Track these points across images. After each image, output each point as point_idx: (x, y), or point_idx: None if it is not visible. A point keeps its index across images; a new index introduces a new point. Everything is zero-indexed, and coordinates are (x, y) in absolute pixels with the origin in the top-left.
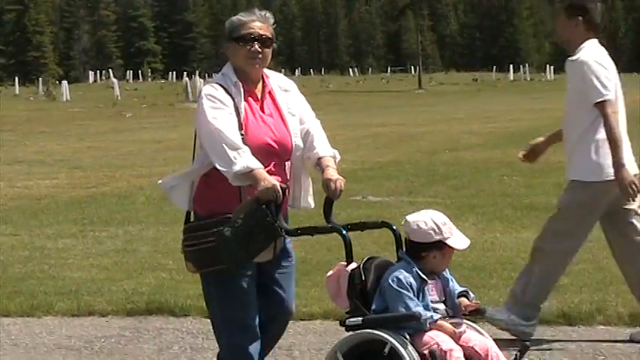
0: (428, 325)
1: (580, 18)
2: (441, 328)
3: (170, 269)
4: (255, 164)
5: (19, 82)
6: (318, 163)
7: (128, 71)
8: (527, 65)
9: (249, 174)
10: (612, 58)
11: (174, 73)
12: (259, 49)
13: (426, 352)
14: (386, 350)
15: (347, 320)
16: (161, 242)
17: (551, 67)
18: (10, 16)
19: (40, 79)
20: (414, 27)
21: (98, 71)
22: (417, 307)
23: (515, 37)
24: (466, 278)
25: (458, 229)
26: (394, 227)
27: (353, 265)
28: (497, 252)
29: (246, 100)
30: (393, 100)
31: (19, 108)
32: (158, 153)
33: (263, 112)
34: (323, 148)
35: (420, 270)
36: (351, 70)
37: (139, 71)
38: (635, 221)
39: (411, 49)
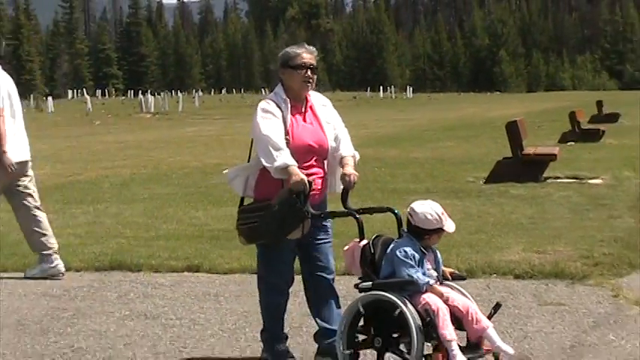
0: (424, 289)
1: None
2: (433, 291)
3: (128, 237)
4: (290, 162)
5: None
6: (341, 161)
7: (97, 90)
8: (392, 87)
9: (285, 169)
10: (452, 82)
11: (132, 91)
12: (311, 75)
13: (421, 310)
14: (390, 308)
15: (360, 284)
16: (121, 216)
17: (411, 87)
18: (8, 49)
19: (32, 95)
20: None
21: (75, 90)
22: (416, 273)
23: (384, 66)
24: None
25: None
26: (397, 211)
27: (364, 241)
28: (369, 223)
29: (291, 112)
30: None
31: None
32: (119, 151)
33: (305, 121)
34: (346, 149)
35: (420, 245)
36: (263, 89)
37: (106, 90)
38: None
39: None
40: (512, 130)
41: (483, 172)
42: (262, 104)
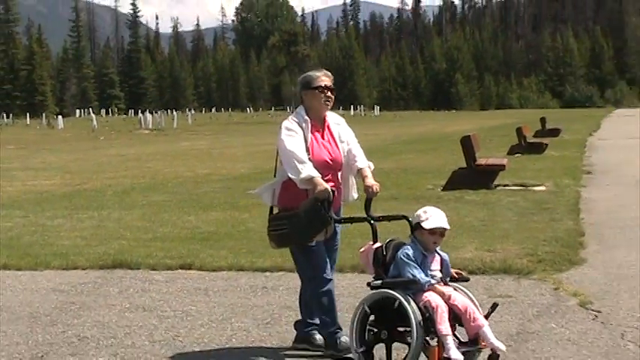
0: (426, 287)
1: None
2: (434, 290)
3: (128, 239)
4: (315, 173)
5: (29, 116)
6: (359, 173)
7: (102, 109)
8: (362, 106)
9: (310, 180)
10: (414, 102)
11: (133, 110)
12: (330, 95)
13: (422, 306)
14: (395, 304)
15: (372, 283)
16: (122, 221)
17: (378, 106)
18: (23, 73)
19: (44, 114)
20: (290, 80)
21: (82, 109)
22: (419, 274)
23: (354, 87)
24: None
25: (438, 216)
26: (410, 219)
27: (378, 244)
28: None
29: (311, 131)
30: (273, 127)
31: (30, 134)
32: (121, 163)
33: (323, 139)
34: (361, 161)
35: (422, 248)
36: (248, 108)
37: (109, 109)
38: None
39: (288, 95)
40: (467, 144)
41: (441, 180)
42: (286, 123)
